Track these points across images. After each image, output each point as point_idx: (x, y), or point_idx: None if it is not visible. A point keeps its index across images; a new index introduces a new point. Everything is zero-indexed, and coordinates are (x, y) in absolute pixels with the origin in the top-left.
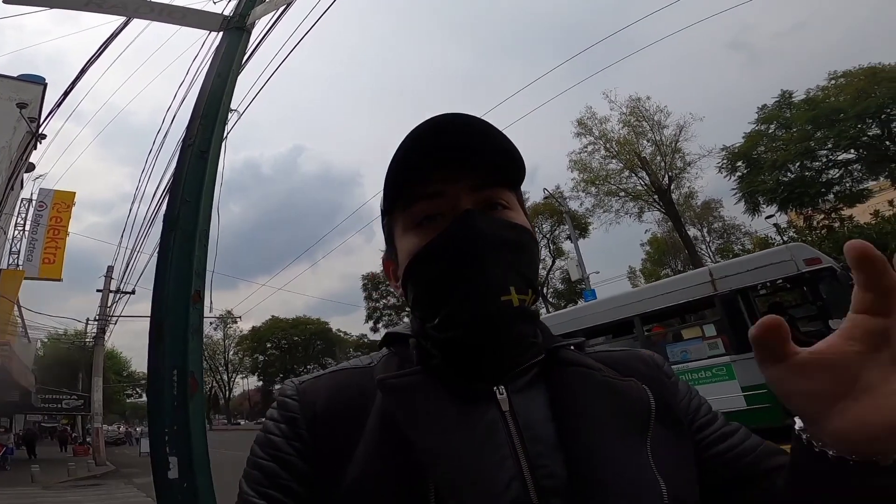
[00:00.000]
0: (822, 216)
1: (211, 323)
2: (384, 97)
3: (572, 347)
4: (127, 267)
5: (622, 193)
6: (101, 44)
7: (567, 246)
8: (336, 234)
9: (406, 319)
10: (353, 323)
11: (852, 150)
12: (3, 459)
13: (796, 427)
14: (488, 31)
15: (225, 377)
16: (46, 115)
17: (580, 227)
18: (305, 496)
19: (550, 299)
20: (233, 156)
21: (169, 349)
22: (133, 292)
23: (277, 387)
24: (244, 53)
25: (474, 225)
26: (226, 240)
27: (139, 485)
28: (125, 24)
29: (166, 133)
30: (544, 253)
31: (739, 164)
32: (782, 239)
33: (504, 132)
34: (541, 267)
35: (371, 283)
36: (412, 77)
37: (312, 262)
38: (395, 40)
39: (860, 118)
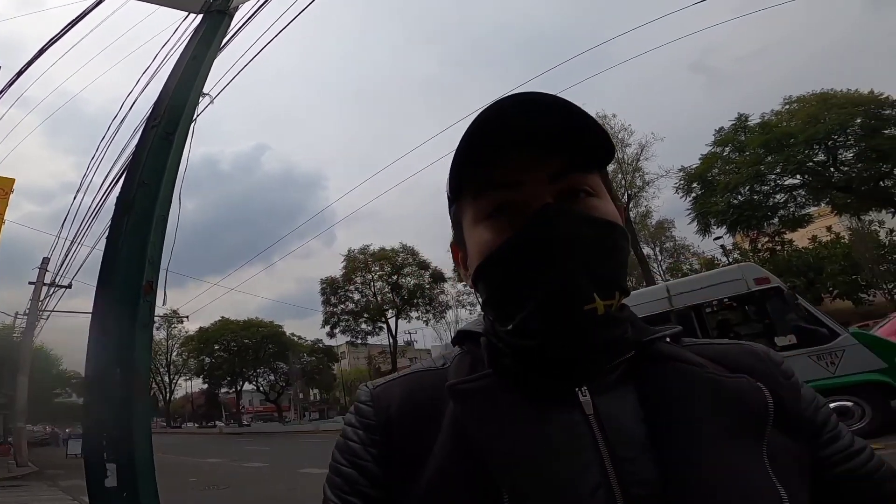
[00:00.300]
0: (767, 239)
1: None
2: (355, 100)
3: (668, 340)
4: (65, 259)
5: None
6: (61, 28)
7: None
8: (295, 236)
9: (364, 325)
10: (308, 327)
11: (798, 176)
12: None
13: None
14: (461, 41)
15: (166, 378)
16: None
17: None
18: (384, 502)
19: None
20: (191, 149)
21: (114, 344)
22: (69, 286)
23: (224, 390)
24: (224, 36)
25: (554, 225)
26: (177, 235)
27: (65, 487)
28: (95, 5)
29: (123, 119)
30: None
31: (695, 184)
32: (728, 260)
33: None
34: None
35: (330, 288)
36: (384, 82)
37: (268, 264)
38: (368, 43)
39: (808, 144)
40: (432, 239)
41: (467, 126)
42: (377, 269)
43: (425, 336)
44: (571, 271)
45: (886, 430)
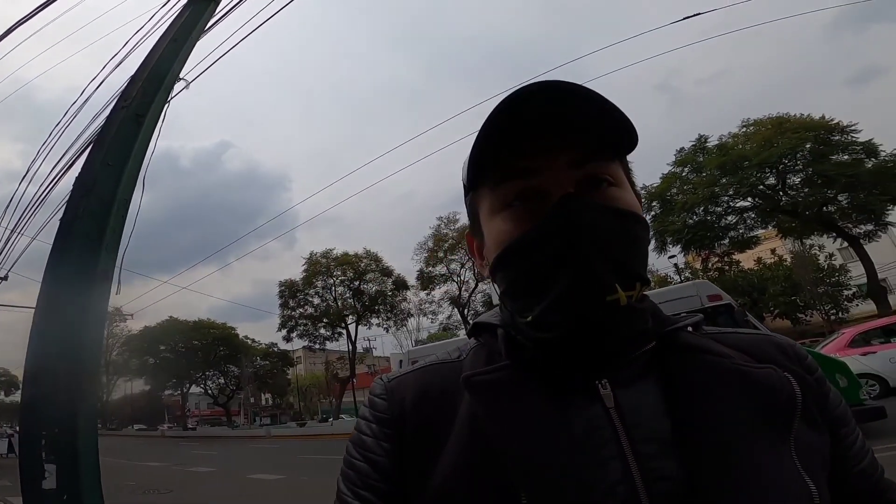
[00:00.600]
0: (717, 259)
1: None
2: (326, 104)
3: (689, 329)
4: (2, 249)
5: None
6: (24, 15)
7: None
8: (254, 237)
9: (322, 330)
10: (263, 330)
11: (749, 198)
12: None
13: None
14: (431, 51)
15: (104, 378)
16: None
17: None
18: (396, 497)
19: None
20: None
21: (60, 336)
22: (6, 278)
23: (168, 392)
24: (208, 21)
25: (575, 215)
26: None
27: None
28: None
29: (82, 106)
30: (468, 275)
31: (655, 203)
32: (680, 278)
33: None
34: (463, 289)
35: (288, 291)
36: (357, 87)
37: (224, 264)
38: (344, 47)
39: (761, 167)
40: (397, 247)
41: (490, 111)
42: (339, 273)
43: (385, 343)
44: (593, 262)
45: None
